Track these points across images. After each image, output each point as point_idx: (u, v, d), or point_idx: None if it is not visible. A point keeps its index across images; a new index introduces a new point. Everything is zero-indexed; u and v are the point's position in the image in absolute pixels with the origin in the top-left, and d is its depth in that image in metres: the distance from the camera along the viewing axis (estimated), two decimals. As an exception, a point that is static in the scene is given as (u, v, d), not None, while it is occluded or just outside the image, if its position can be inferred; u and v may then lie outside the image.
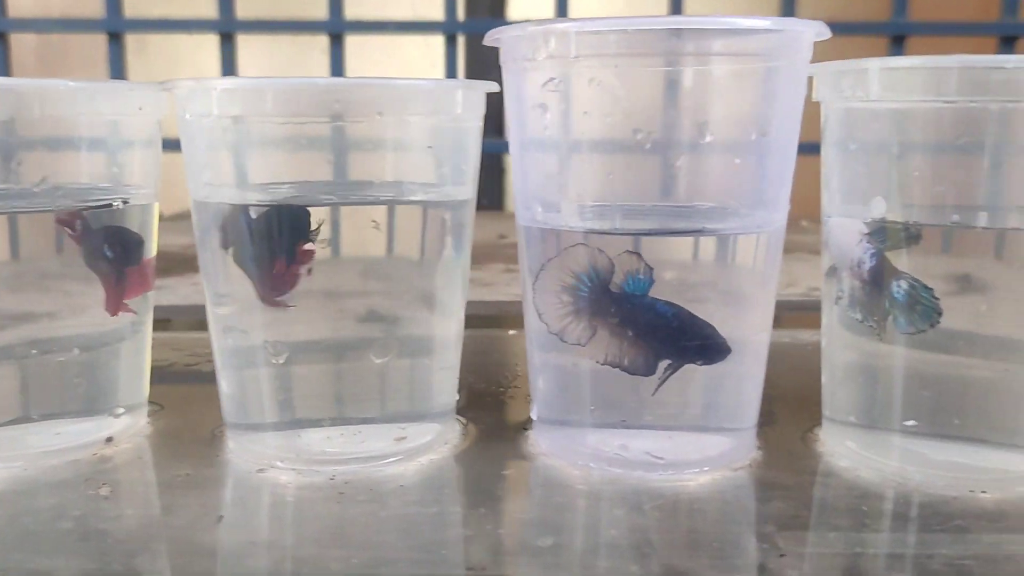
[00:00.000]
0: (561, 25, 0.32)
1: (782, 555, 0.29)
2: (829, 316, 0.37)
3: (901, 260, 0.33)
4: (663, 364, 0.34)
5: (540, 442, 0.38)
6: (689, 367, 0.34)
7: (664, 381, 0.34)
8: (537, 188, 0.35)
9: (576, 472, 0.35)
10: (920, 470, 0.34)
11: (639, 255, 0.33)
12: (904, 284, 0.33)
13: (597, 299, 0.34)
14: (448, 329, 0.38)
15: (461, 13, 1.17)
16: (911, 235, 0.32)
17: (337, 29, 1.17)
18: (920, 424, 0.34)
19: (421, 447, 0.37)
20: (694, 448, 0.36)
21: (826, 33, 0.35)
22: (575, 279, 0.34)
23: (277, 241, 0.34)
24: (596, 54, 0.32)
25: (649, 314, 0.34)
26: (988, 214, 0.32)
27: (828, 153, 0.36)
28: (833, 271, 0.36)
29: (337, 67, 1.17)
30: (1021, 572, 0.28)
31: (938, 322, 0.32)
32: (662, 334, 0.34)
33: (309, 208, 0.34)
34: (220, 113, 0.33)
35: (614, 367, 0.34)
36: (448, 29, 1.13)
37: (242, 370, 0.36)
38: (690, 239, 0.35)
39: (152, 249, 0.40)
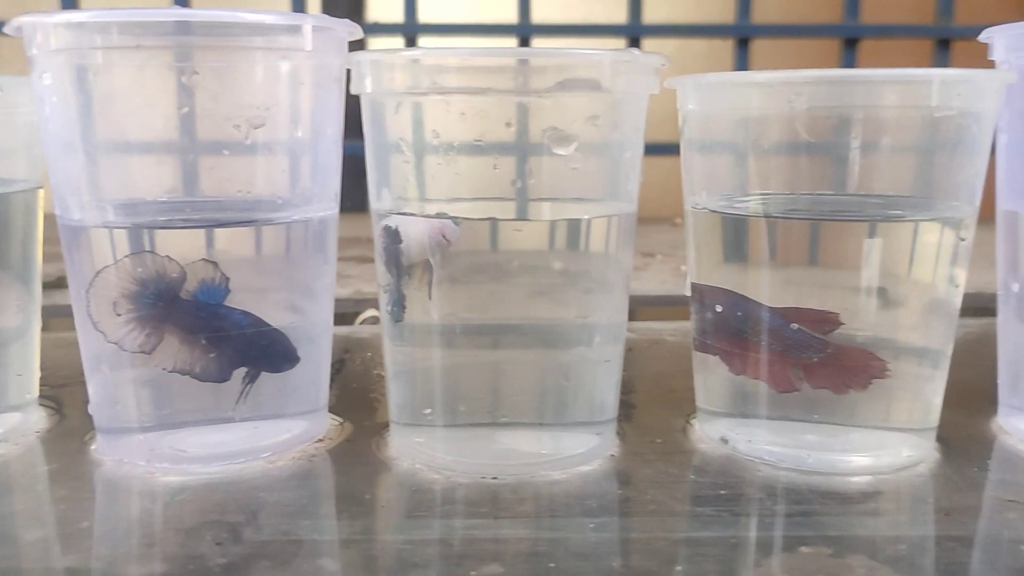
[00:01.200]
0: (38, 18, 0.32)
1: (218, 543, 0.29)
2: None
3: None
4: (239, 372, 0.34)
5: (98, 440, 0.37)
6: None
7: (247, 391, 0.35)
8: (59, 184, 0.34)
9: (121, 470, 0.35)
10: (458, 460, 0.35)
11: (215, 264, 0.33)
12: (405, 276, 0.33)
13: (166, 307, 0.34)
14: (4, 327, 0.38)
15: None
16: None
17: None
18: (435, 414, 0.34)
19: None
20: (238, 439, 0.36)
21: (357, 32, 0.35)
22: (139, 286, 0.33)
23: None
24: (74, 48, 0.32)
25: (224, 323, 0.34)
26: (470, 206, 0.33)
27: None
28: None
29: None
30: (438, 554, 0.28)
31: (404, 307, 0.33)
32: (237, 343, 0.34)
33: None
34: None
35: (184, 375, 0.34)
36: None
37: None
38: (244, 234, 0.35)
39: None
